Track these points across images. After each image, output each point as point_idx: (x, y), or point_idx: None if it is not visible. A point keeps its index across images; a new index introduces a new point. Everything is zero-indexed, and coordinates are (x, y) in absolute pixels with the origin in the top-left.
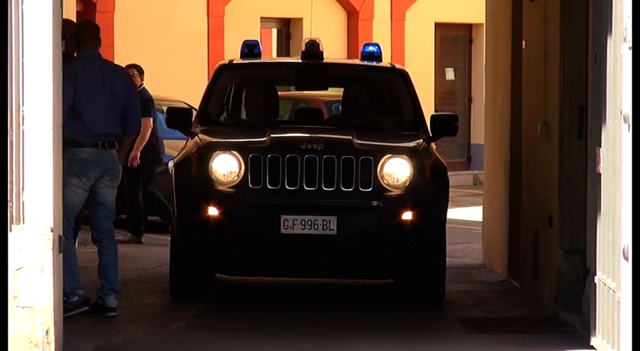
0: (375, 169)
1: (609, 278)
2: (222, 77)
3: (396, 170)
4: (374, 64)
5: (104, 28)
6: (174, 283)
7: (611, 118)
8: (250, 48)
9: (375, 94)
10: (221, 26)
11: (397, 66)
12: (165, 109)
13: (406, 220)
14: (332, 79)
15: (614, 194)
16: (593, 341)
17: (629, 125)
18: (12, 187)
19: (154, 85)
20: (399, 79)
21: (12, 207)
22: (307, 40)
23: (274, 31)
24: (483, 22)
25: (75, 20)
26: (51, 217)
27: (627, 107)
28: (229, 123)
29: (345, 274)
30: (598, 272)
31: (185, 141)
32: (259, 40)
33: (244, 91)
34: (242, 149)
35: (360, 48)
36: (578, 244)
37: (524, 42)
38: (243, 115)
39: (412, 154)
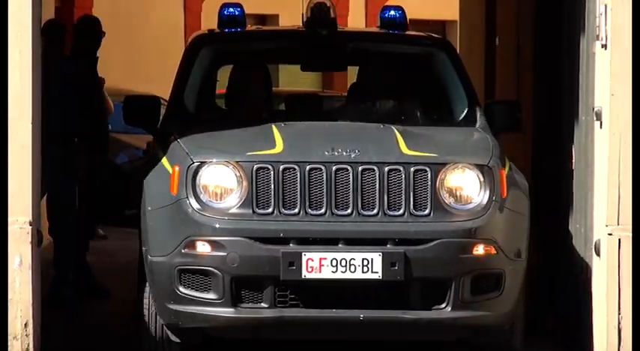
0: (434, 184)
1: (582, 274)
2: (202, 54)
3: (462, 185)
4: (409, 33)
5: None
6: (146, 344)
7: (583, 114)
8: (231, 16)
9: (412, 75)
10: (198, 21)
11: (438, 36)
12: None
13: (478, 257)
14: (352, 55)
15: (585, 190)
16: (568, 338)
17: (601, 122)
18: None
19: (131, 79)
20: (443, 53)
21: None
22: (313, 3)
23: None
24: (457, 18)
25: (54, 16)
26: (30, 211)
27: (599, 104)
28: (213, 117)
29: (394, 334)
30: (571, 269)
31: (152, 140)
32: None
33: (231, 72)
34: (244, 157)
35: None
36: (552, 241)
37: (497, 38)
38: (229, 105)
39: (482, 160)
